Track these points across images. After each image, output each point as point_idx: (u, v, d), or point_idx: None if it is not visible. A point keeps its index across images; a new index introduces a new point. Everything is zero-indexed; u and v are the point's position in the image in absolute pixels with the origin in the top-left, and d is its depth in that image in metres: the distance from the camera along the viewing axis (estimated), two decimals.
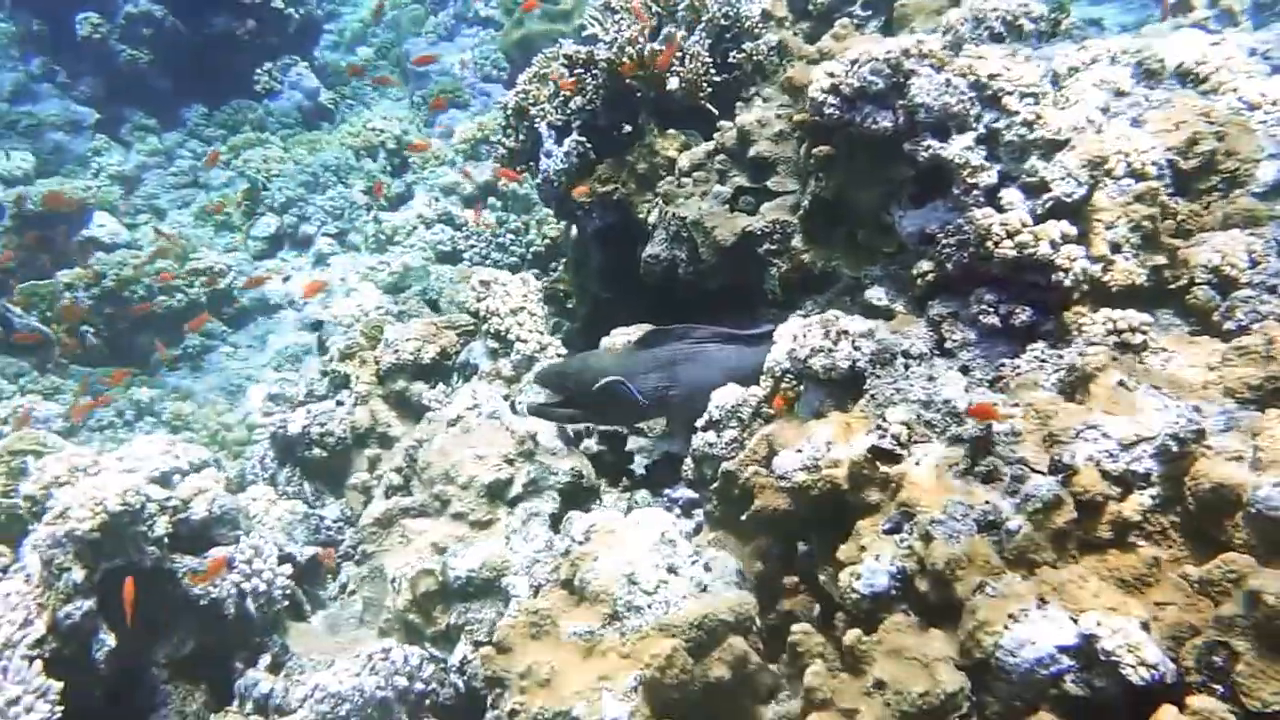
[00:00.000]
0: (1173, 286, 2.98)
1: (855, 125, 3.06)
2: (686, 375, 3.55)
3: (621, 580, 2.60)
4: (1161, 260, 2.97)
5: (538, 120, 5.22)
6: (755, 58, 4.76)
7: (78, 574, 2.92)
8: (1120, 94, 3.49)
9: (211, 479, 3.18)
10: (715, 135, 4.46)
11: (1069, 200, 2.85)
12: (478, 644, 2.72)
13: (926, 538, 2.36)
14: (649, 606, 2.55)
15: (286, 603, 3.11)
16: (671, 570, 2.63)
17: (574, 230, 5.35)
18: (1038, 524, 2.26)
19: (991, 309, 2.84)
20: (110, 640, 2.92)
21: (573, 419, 3.61)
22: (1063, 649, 2.03)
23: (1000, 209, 2.85)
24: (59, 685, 2.78)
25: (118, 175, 10.06)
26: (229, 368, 7.64)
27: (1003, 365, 2.81)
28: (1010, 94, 2.83)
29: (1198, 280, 2.95)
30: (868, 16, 4.99)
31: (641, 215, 4.70)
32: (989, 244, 2.78)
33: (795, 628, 2.46)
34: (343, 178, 9.81)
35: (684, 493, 3.38)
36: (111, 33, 10.37)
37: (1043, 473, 2.38)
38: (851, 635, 2.31)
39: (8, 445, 4.10)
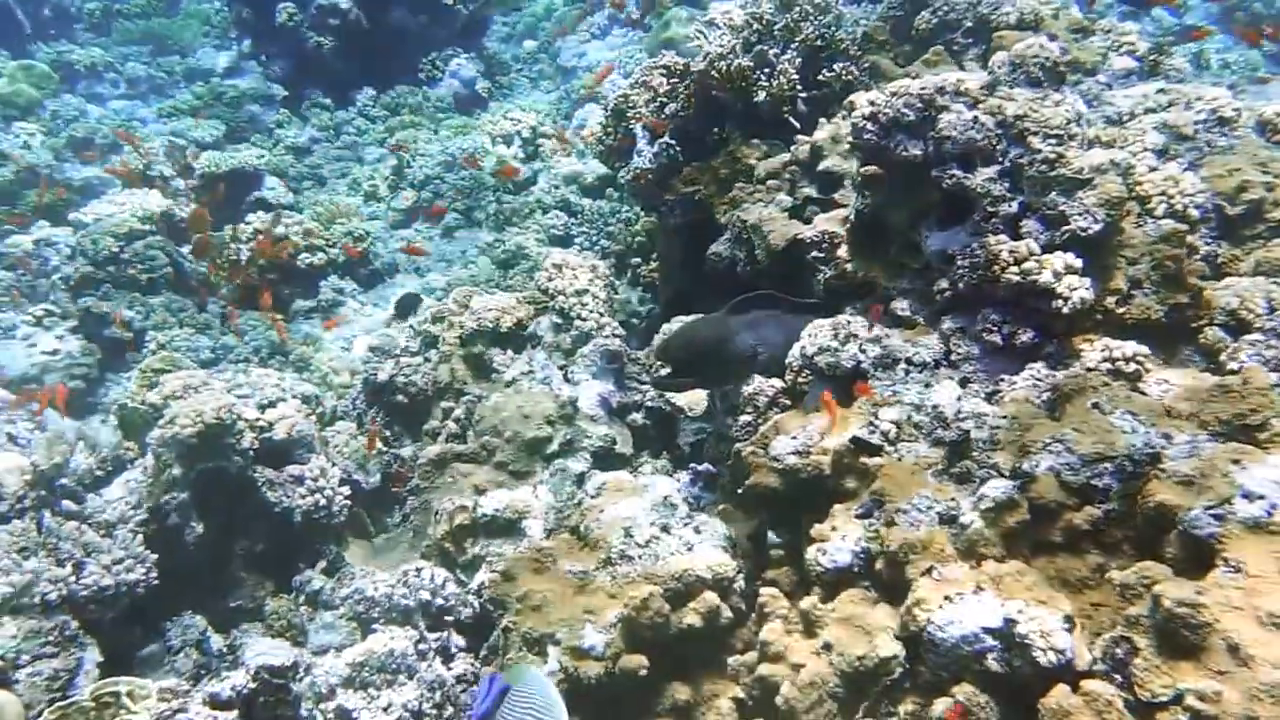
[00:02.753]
0: (1195, 325, 2.99)
1: (889, 151, 3.17)
2: (771, 336, 3.70)
3: (619, 532, 2.80)
4: (1183, 299, 2.99)
5: (634, 122, 5.43)
6: (845, 78, 4.86)
7: (177, 470, 3.30)
8: (1183, 138, 3.50)
9: (295, 409, 3.52)
10: (792, 148, 4.60)
11: (1085, 234, 2.90)
12: (492, 572, 2.96)
13: (890, 523, 2.48)
14: (639, 557, 2.74)
15: (343, 517, 3.43)
16: (665, 529, 2.81)
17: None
18: (989, 521, 2.36)
19: (995, 328, 2.91)
20: (199, 528, 3.29)
21: (691, 386, 3.73)
22: (987, 630, 2.13)
23: (1019, 237, 2.92)
24: (154, 556, 3.15)
25: (292, 146, 10.77)
26: (355, 321, 8.12)
27: (1001, 380, 2.88)
28: (1035, 134, 2.91)
29: (1215, 321, 2.96)
30: (969, 44, 5.01)
31: (718, 216, 4.87)
32: (997, 268, 2.86)
33: (763, 590, 2.61)
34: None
35: (707, 466, 3.55)
36: (303, 21, 11.16)
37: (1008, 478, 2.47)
38: (808, 601, 2.46)
39: (149, 363, 4.58)
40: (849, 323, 3.04)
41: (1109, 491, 2.37)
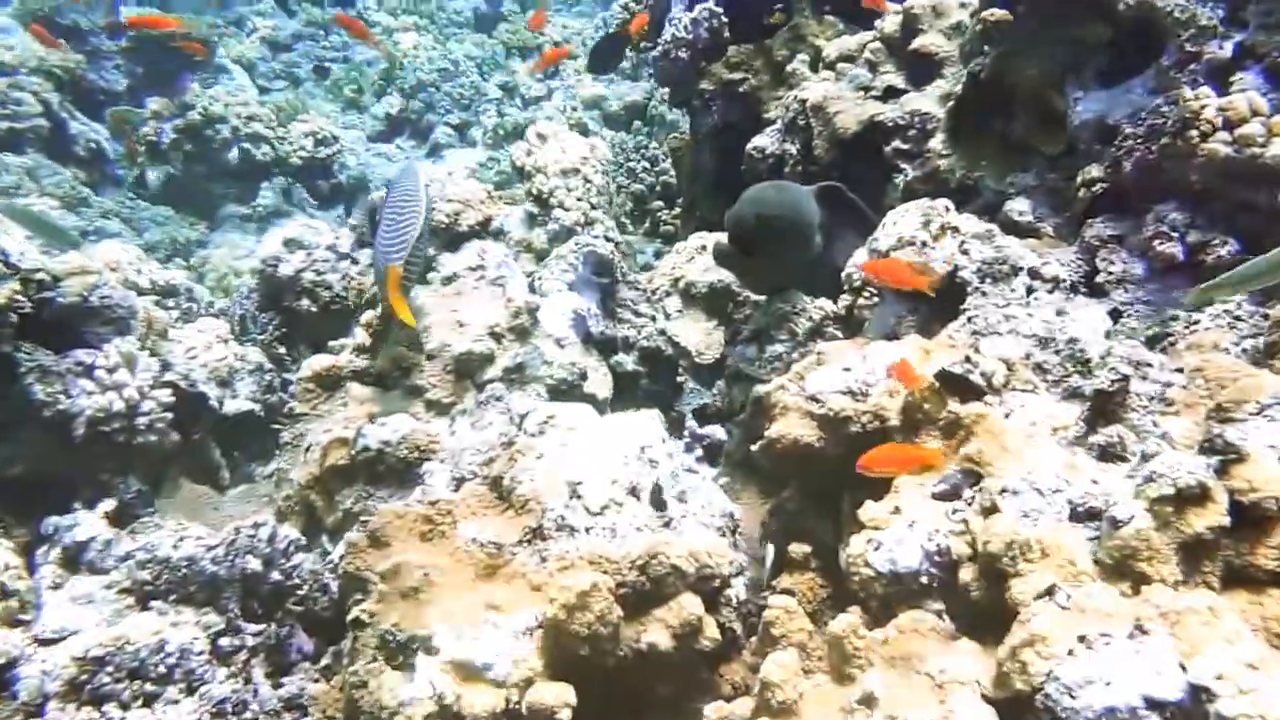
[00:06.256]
0: None
1: None
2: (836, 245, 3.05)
3: (561, 490, 2.12)
4: None
5: None
6: None
7: None
8: None
9: (105, 264, 2.85)
10: (878, 22, 3.93)
11: None
12: (354, 534, 2.28)
13: (990, 509, 1.79)
14: (587, 530, 2.06)
15: (157, 438, 2.75)
16: (633, 492, 2.13)
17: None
18: (1160, 518, 1.65)
19: (1175, 234, 2.21)
20: None
21: (752, 275, 3.13)
22: (1153, 703, 1.43)
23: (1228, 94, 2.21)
24: None
25: (269, 39, 10.28)
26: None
27: (1174, 318, 2.18)
28: None
29: None
30: None
31: (770, 115, 4.21)
32: (1193, 134, 2.15)
33: (774, 601, 1.92)
34: (483, 71, 9.72)
35: (713, 430, 2.85)
36: None
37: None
38: (843, 624, 1.76)
39: None
40: (947, 209, 2.33)
41: None
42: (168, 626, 1.99)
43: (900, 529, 1.86)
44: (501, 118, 9.06)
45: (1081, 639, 1.52)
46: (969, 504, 1.87)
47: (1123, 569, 1.65)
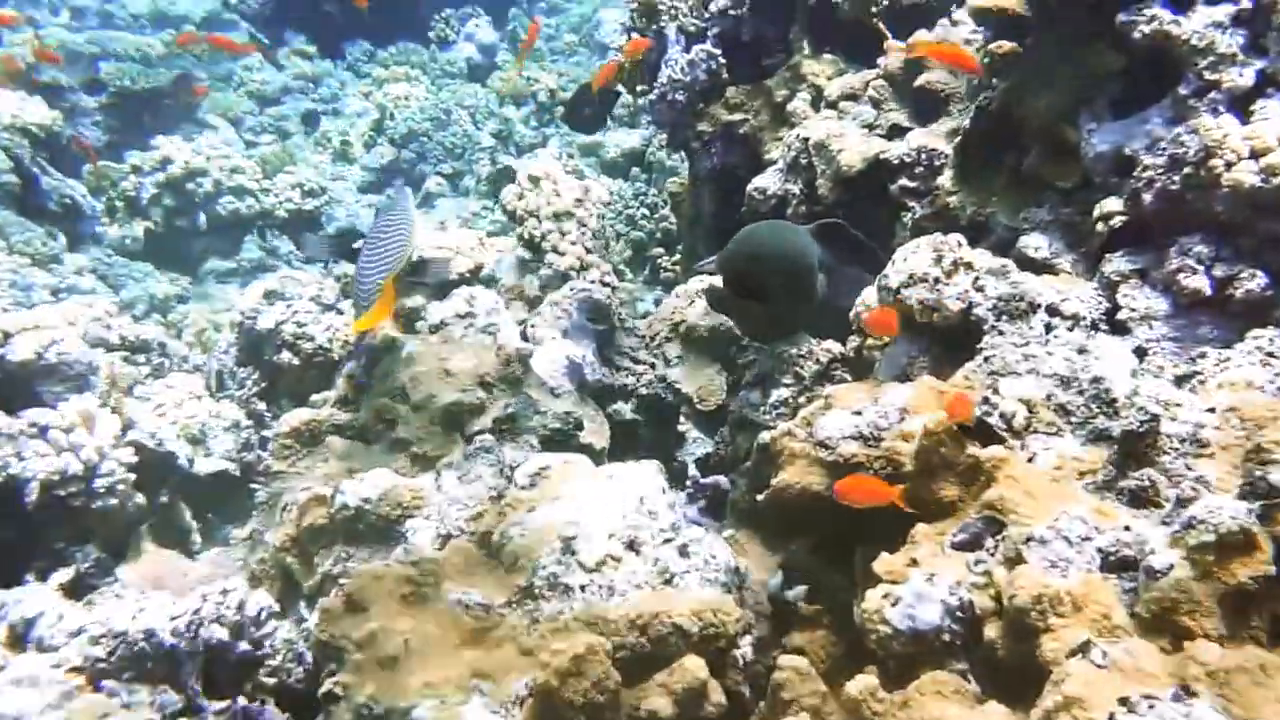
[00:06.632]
0: None
1: None
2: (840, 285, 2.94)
3: (554, 545, 2.02)
4: None
5: (666, 22, 4.74)
6: None
7: None
8: None
9: (63, 320, 2.76)
10: (880, 60, 3.91)
11: None
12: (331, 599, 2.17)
13: (1015, 559, 1.70)
14: (582, 589, 1.96)
15: (118, 501, 2.64)
16: (632, 546, 2.03)
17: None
18: (1201, 567, 1.56)
19: (1200, 267, 2.14)
20: None
21: (749, 320, 3.02)
22: None
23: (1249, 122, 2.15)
24: None
25: (257, 93, 10.28)
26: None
27: (1202, 355, 2.09)
28: None
29: None
30: None
31: (771, 155, 4.17)
32: (1217, 163, 2.08)
33: (783, 661, 1.82)
34: (476, 121, 9.73)
35: (717, 479, 2.76)
36: None
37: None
38: (861, 685, 1.66)
39: None
40: (959, 244, 2.26)
41: None
42: (117, 709, 1.87)
43: (919, 582, 1.76)
44: (495, 166, 9.05)
45: (1123, 701, 1.42)
46: (991, 554, 1.78)
47: (1162, 623, 1.55)
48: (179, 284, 6.99)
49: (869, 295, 2.55)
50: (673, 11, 4.64)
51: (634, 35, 4.73)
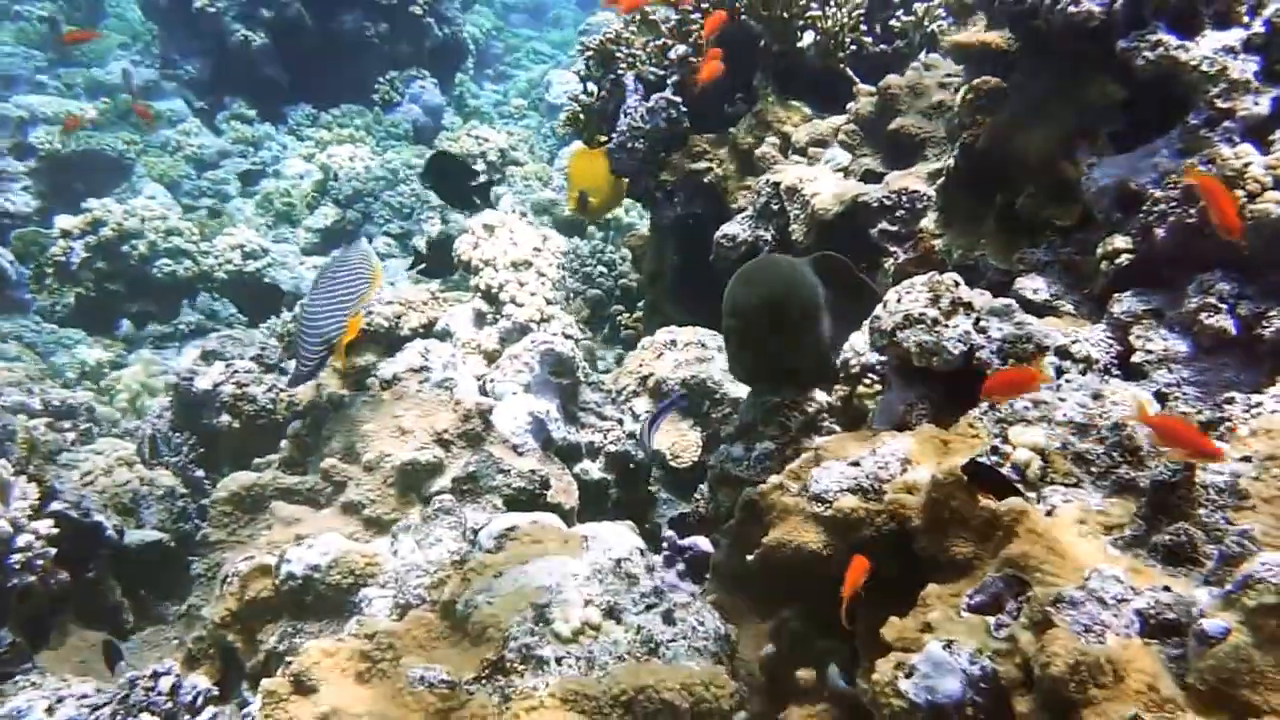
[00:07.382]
0: None
1: (1041, 11, 2.34)
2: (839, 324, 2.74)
3: (526, 613, 1.85)
4: None
5: (624, 71, 4.65)
6: (927, 25, 4.17)
7: None
8: None
9: None
10: (850, 105, 3.85)
11: None
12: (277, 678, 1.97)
13: (1043, 623, 1.54)
14: (558, 661, 1.78)
15: (37, 579, 2.41)
16: (612, 614, 1.86)
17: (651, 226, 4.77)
18: (1263, 633, 1.41)
19: (1224, 305, 2.03)
20: None
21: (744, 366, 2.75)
22: None
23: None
24: None
25: (194, 157, 10.12)
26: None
27: (1229, 400, 1.97)
28: None
29: None
30: None
31: (739, 203, 4.08)
32: (1239, 194, 1.98)
33: None
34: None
35: (696, 541, 2.59)
36: (229, 9, 10.44)
37: None
38: None
39: None
40: (956, 284, 2.14)
41: None
42: None
43: (935, 650, 1.60)
44: (446, 224, 8.92)
45: None
46: (1014, 617, 1.63)
47: (1220, 696, 1.40)
48: (113, 349, 6.78)
49: (856, 341, 2.42)
50: (630, 59, 4.56)
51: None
